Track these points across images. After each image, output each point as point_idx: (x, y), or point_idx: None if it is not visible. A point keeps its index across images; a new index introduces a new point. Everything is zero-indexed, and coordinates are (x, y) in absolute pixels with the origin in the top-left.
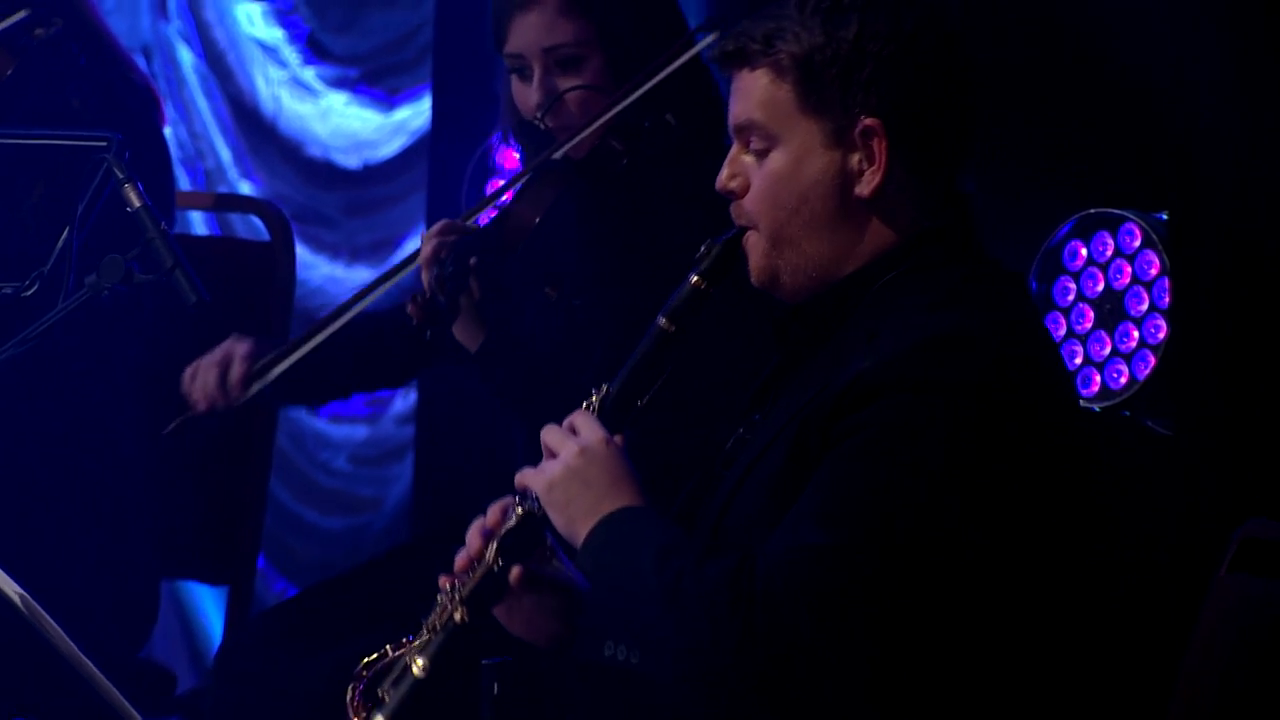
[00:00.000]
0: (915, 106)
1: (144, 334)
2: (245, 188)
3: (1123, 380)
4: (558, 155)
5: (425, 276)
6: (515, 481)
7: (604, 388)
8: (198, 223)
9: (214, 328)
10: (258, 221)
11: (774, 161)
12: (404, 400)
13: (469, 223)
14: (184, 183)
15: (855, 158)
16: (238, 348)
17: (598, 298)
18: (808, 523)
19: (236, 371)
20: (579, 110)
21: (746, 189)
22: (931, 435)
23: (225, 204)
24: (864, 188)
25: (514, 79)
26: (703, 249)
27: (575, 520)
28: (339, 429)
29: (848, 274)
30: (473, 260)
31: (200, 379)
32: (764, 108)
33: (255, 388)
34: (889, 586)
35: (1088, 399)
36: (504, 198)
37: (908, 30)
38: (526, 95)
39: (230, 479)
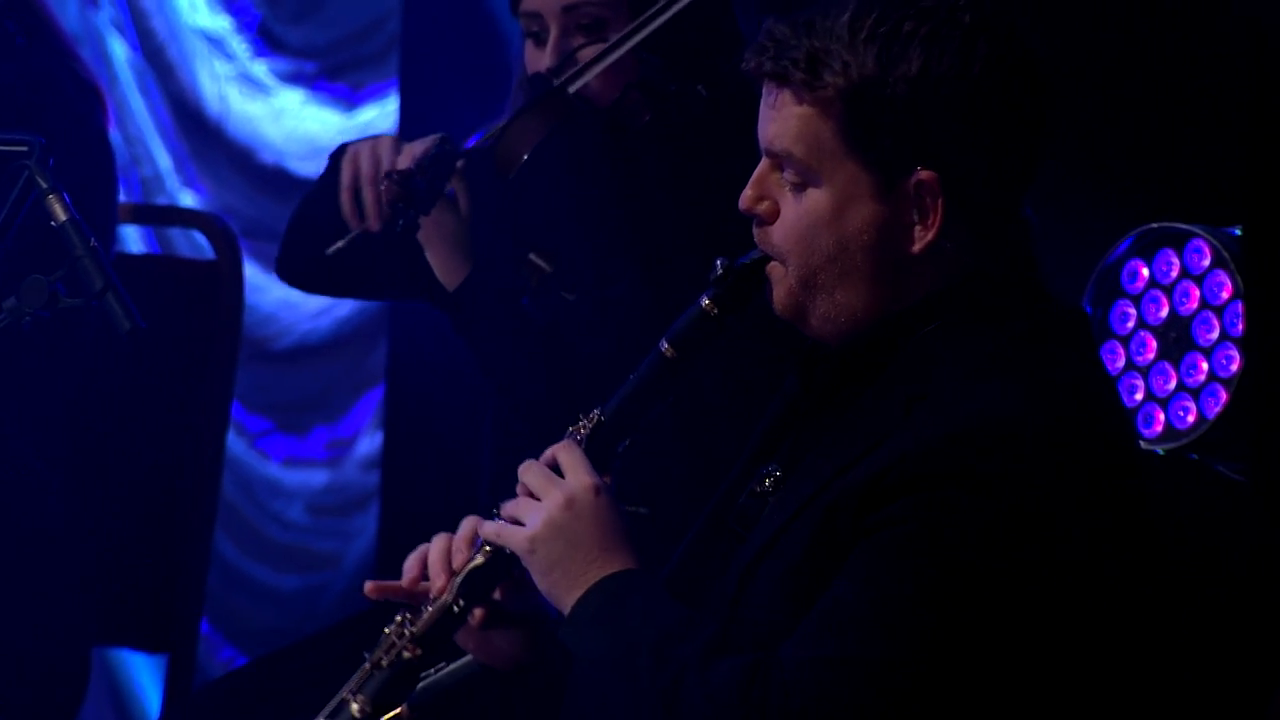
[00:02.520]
0: (979, 159)
1: (71, 367)
2: (187, 199)
3: (1190, 419)
4: (570, 89)
5: (405, 162)
6: (484, 530)
7: (595, 415)
8: (133, 239)
9: (152, 359)
10: (201, 238)
11: (812, 200)
12: (369, 442)
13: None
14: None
15: (906, 211)
16: (409, 147)
17: (595, 292)
18: (832, 630)
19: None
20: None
21: (775, 215)
22: (977, 535)
23: (165, 217)
24: (915, 245)
25: (528, 44)
26: (719, 268)
27: (560, 585)
28: (294, 474)
29: (886, 319)
30: (459, 163)
31: (371, 192)
32: (804, 142)
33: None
34: (925, 709)
35: (1149, 440)
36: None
37: (975, 72)
38: (539, 60)
39: (169, 531)
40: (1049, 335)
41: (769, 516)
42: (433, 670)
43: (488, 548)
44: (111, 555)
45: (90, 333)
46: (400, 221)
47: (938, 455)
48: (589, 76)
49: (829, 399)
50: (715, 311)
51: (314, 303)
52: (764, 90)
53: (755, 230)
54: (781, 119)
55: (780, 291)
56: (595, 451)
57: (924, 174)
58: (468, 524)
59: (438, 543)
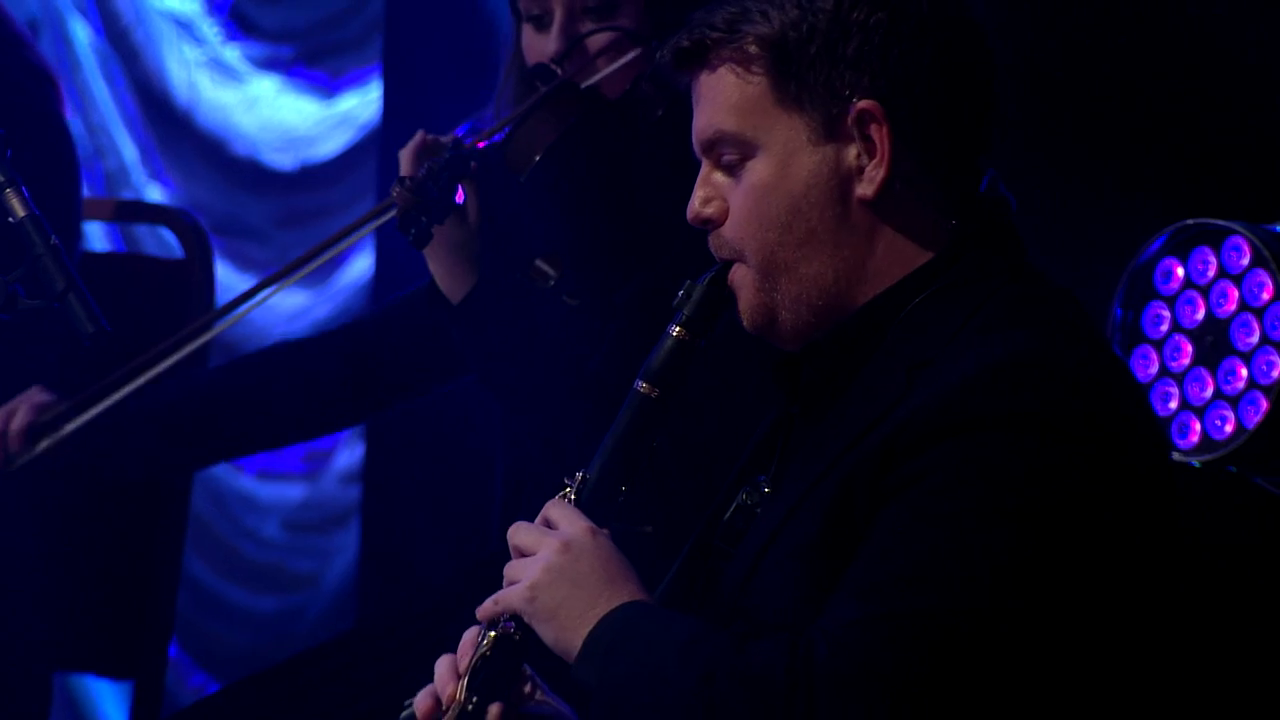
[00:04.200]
0: (917, 82)
1: (31, 373)
2: (154, 193)
3: (1228, 429)
4: (582, 84)
5: (413, 169)
6: (480, 611)
7: (580, 476)
8: (97, 236)
9: (118, 364)
10: (170, 235)
11: (754, 173)
12: (349, 454)
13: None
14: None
15: (852, 151)
16: (32, 395)
17: (600, 297)
18: (873, 590)
19: (18, 422)
20: (601, 57)
21: (725, 214)
22: (1012, 475)
23: (130, 213)
24: (866, 186)
25: (526, 28)
26: (681, 293)
27: (568, 627)
28: (270, 489)
29: (867, 300)
30: (473, 164)
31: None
32: (734, 111)
33: (44, 444)
34: (978, 658)
35: (1185, 452)
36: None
37: None
38: (542, 45)
39: (136, 551)
40: (1045, 299)
41: (761, 522)
42: None
43: (491, 633)
44: (73, 574)
45: (51, 337)
46: (412, 230)
47: (960, 401)
48: (605, 71)
49: (818, 402)
50: (687, 337)
51: (290, 304)
52: (691, 89)
53: (710, 239)
54: (706, 101)
55: (747, 296)
56: (587, 510)
57: (862, 103)
58: (467, 635)
59: (441, 663)
